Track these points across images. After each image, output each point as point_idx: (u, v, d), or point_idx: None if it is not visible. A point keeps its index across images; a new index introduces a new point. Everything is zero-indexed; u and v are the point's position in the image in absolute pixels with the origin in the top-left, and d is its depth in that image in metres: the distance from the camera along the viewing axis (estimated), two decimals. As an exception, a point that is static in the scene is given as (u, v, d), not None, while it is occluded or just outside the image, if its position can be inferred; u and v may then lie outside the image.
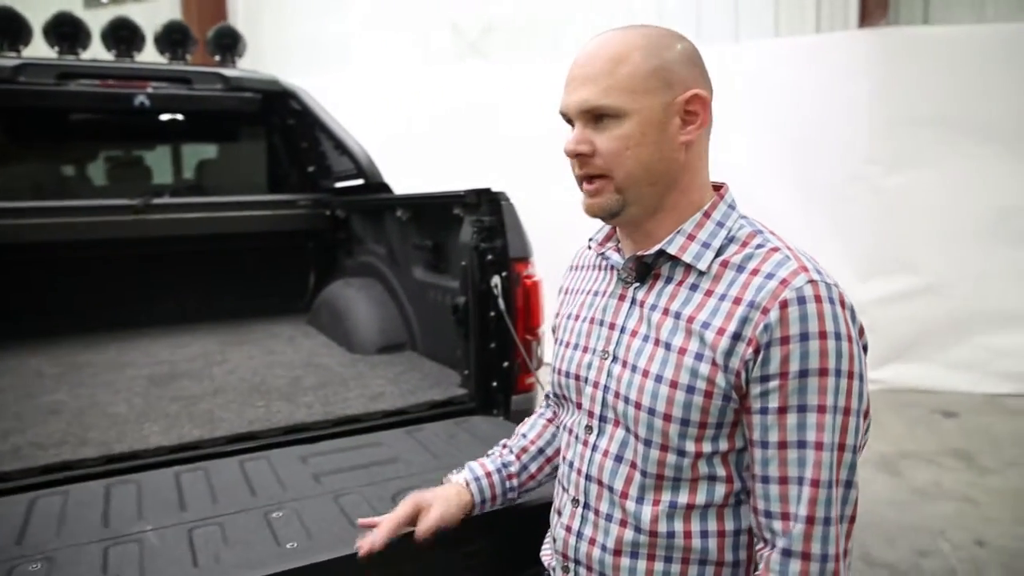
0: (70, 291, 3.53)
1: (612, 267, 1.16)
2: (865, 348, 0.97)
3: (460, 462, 1.82)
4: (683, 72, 1.02)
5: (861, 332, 0.97)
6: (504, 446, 1.45)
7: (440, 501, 1.32)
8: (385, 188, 3.45)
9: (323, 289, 3.66)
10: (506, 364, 2.29)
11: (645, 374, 1.03)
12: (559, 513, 1.20)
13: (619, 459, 1.07)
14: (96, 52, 3.70)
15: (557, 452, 1.39)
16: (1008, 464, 4.16)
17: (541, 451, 1.41)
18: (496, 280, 2.24)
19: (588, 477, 1.12)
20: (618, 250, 1.15)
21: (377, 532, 1.28)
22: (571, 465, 1.16)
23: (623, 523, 1.06)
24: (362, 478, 1.75)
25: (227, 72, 3.70)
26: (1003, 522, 3.44)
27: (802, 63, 5.48)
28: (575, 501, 1.14)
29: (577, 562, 1.13)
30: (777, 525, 0.95)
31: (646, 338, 1.05)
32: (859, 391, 0.94)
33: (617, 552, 1.06)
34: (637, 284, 1.10)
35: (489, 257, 2.26)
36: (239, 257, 3.87)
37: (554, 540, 1.20)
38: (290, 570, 1.32)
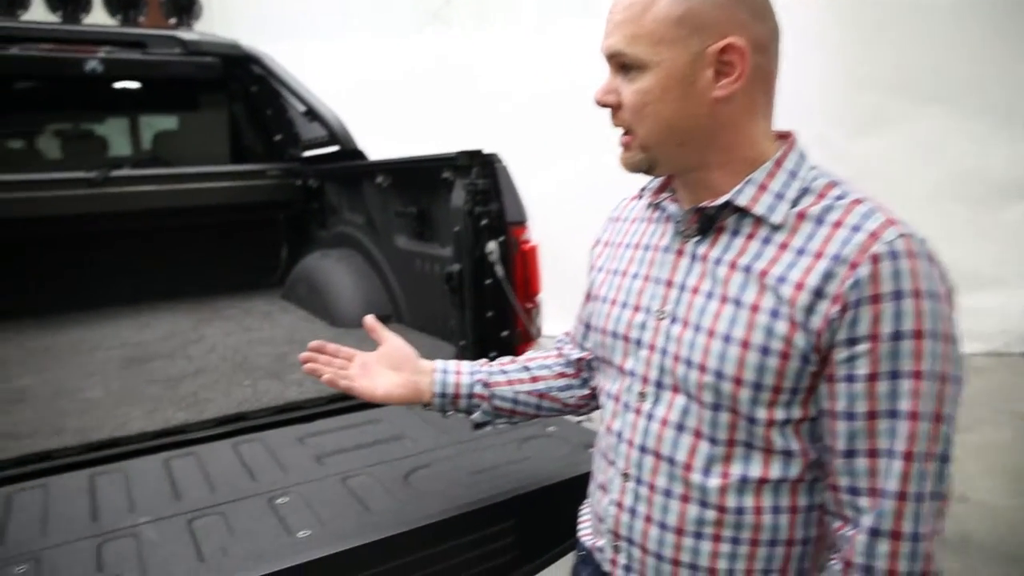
0: (24, 272, 3.31)
1: (667, 219, 1.06)
2: None
3: (468, 436, 1.74)
4: (720, 17, 0.89)
5: (952, 293, 0.90)
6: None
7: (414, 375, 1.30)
8: (360, 155, 3.29)
9: (297, 262, 3.50)
10: (505, 333, 2.19)
11: (711, 334, 0.94)
12: (604, 489, 1.10)
13: (680, 428, 0.98)
14: (38, 14, 3.43)
15: (543, 379, 1.30)
16: (980, 421, 4.26)
17: (527, 368, 1.31)
18: (492, 246, 2.14)
19: (642, 449, 1.02)
20: (675, 200, 1.06)
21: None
22: (619, 436, 1.07)
23: (685, 498, 0.97)
24: (368, 457, 1.64)
25: (184, 35, 3.47)
26: (980, 476, 3.52)
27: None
28: (625, 475, 1.05)
29: (630, 541, 1.04)
30: (864, 502, 0.87)
31: (710, 295, 0.96)
32: (955, 356, 0.86)
33: (679, 531, 0.98)
34: (698, 238, 1.00)
35: (484, 222, 2.14)
36: (205, 231, 3.67)
37: (599, 519, 1.11)
38: (308, 563, 1.22)
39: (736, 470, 0.94)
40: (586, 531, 1.19)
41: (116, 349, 2.67)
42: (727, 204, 0.95)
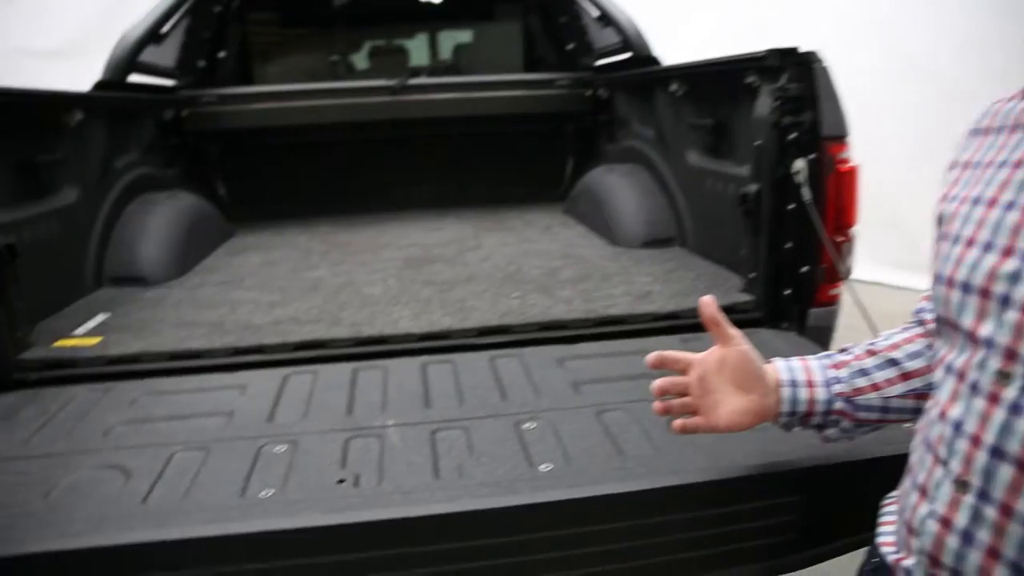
0: (333, 173, 3.62)
1: None
2: None
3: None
4: None
5: None
6: (840, 350, 1.05)
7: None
8: (654, 62, 3.03)
9: (582, 176, 3.38)
10: (805, 269, 1.85)
11: None
12: (924, 492, 0.78)
13: None
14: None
15: (920, 373, 0.96)
16: None
17: (893, 362, 0.97)
18: (800, 164, 1.79)
19: (996, 452, 0.69)
20: None
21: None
22: (958, 427, 0.74)
23: None
24: (630, 392, 1.46)
25: None
26: None
27: None
28: (961, 484, 0.72)
29: (957, 574, 0.73)
30: None
31: None
32: None
33: None
34: None
35: (792, 135, 1.80)
36: (494, 141, 3.70)
37: (910, 530, 0.80)
38: (545, 504, 1.07)
39: None
40: (887, 539, 0.89)
41: (403, 249, 2.77)
42: None
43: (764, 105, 1.87)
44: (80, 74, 2.72)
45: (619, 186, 2.90)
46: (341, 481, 1.16)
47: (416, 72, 3.56)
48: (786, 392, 0.97)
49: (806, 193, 1.78)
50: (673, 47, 3.18)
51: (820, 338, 1.86)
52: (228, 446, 1.30)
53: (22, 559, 1.01)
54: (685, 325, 1.86)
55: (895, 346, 0.98)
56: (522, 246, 2.75)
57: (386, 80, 3.35)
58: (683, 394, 1.02)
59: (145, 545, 1.02)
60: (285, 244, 2.96)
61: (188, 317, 2.00)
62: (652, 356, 1.02)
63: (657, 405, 1.03)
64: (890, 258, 4.41)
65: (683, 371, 1.01)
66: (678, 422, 1.02)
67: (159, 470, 1.22)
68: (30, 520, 1.09)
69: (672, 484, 1.13)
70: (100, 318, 1.99)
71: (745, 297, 1.95)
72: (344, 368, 1.64)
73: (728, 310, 1.87)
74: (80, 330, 1.90)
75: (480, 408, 1.42)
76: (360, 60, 3.99)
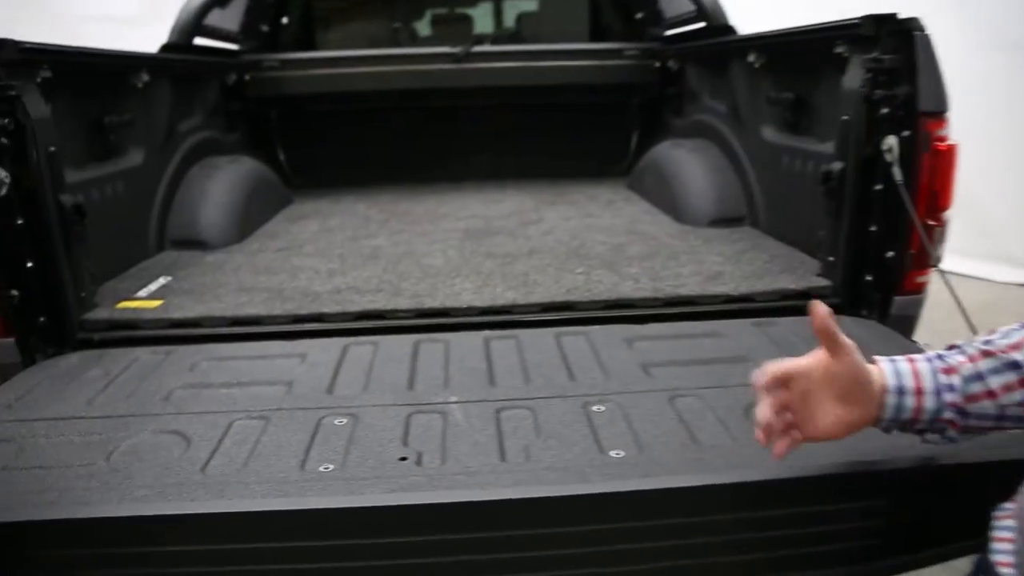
0: (393, 141, 3.57)
1: None
2: None
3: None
4: None
5: None
6: (949, 347, 0.94)
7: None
8: (730, 32, 2.90)
9: (647, 151, 3.27)
10: (890, 255, 1.73)
11: None
12: None
13: None
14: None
15: None
16: None
17: (1015, 365, 0.85)
18: (891, 142, 1.67)
19: None
20: None
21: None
22: None
23: None
24: (703, 377, 1.38)
25: None
26: None
27: None
28: None
29: None
30: None
31: None
32: None
33: None
34: None
35: (885, 110, 1.68)
36: (557, 112, 3.60)
37: None
38: (617, 494, 1.01)
39: None
40: (1004, 558, 0.80)
41: (463, 220, 2.72)
42: None
43: (854, 77, 1.75)
44: (156, 39, 2.72)
45: (687, 161, 2.79)
46: (403, 459, 1.12)
47: (480, 40, 3.49)
48: (891, 399, 0.87)
49: (897, 173, 1.66)
50: (751, 16, 3.02)
51: (903, 328, 1.74)
52: (288, 416, 1.27)
53: (86, 522, 1.00)
54: (759, 309, 1.77)
55: (1016, 346, 0.86)
56: (585, 220, 2.68)
57: (449, 48, 3.29)
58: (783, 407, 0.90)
59: (205, 516, 1.00)
60: (343, 212, 2.94)
61: (248, 282, 1.99)
62: (762, 380, 0.89)
63: (760, 436, 0.90)
64: (965, 246, 4.17)
65: (786, 384, 0.89)
66: (779, 448, 0.90)
67: (218, 438, 1.20)
68: (92, 481, 1.08)
69: (753, 479, 1.05)
70: (162, 281, 2.00)
71: (823, 282, 1.85)
72: (405, 340, 1.60)
73: (803, 295, 1.79)
74: (142, 292, 1.91)
75: (547, 387, 1.37)
76: (423, 27, 3.93)
